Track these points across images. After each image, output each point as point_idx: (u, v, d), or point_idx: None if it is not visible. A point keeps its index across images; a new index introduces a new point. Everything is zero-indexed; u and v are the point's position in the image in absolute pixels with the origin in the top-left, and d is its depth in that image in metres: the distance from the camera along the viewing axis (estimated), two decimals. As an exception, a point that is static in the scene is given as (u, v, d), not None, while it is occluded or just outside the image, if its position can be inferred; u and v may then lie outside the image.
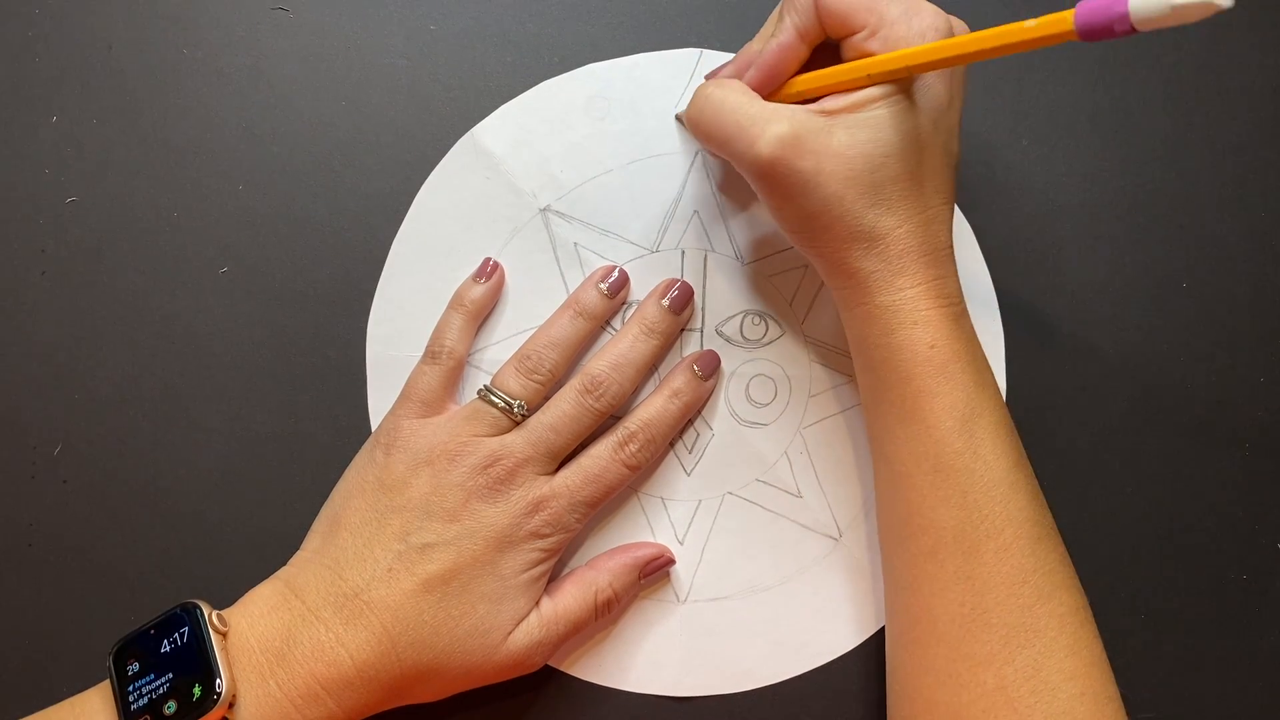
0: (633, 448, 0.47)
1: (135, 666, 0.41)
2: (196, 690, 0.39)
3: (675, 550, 0.49)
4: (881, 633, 0.49)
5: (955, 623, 0.40)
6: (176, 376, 0.50)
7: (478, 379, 0.49)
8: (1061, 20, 0.35)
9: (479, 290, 0.49)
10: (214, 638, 0.40)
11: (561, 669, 0.49)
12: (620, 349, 0.47)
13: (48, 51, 0.51)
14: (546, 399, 0.47)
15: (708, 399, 0.50)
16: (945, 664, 0.41)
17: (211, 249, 0.50)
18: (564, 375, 0.48)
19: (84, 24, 0.51)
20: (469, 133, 0.51)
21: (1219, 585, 0.50)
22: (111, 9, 0.51)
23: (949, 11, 0.42)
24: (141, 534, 0.49)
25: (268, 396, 0.50)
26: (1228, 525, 0.51)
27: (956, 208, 0.50)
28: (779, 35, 0.43)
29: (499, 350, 0.49)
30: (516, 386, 0.46)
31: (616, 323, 0.50)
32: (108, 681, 0.41)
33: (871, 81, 0.41)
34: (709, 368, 0.49)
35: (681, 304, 0.49)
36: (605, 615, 0.47)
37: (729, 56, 0.51)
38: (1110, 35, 0.33)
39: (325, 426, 0.50)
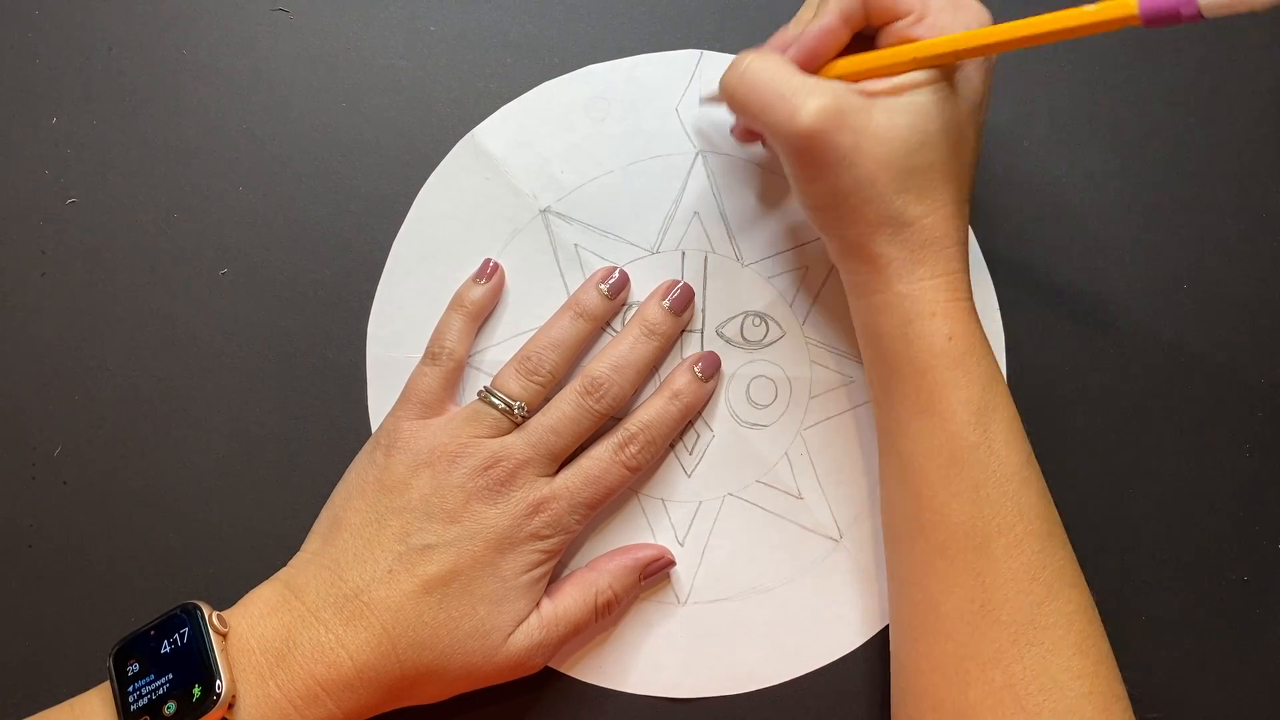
0: (633, 449, 0.47)
1: (135, 667, 0.41)
2: (196, 691, 0.39)
3: (676, 552, 0.49)
4: (882, 634, 0.49)
5: (964, 619, 0.40)
6: (176, 376, 0.50)
7: (478, 380, 0.49)
8: (1125, 4, 0.34)
9: (479, 291, 0.49)
10: (214, 638, 0.40)
11: (562, 670, 0.49)
12: (621, 350, 0.47)
13: (48, 51, 0.51)
14: (547, 400, 0.47)
15: (708, 400, 0.50)
16: (953, 661, 0.41)
17: (211, 249, 0.50)
18: (564, 377, 0.48)
19: (84, 24, 0.51)
20: (469, 134, 0.51)
21: (1219, 585, 0.50)
22: (111, 9, 0.51)
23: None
24: (141, 534, 0.49)
25: (268, 396, 0.50)
26: (1228, 525, 0.51)
27: (956, 208, 0.50)
28: (822, 17, 0.43)
29: (499, 351, 0.49)
30: (517, 388, 0.46)
31: (617, 324, 0.50)
32: (108, 682, 0.41)
33: (916, 66, 0.41)
34: (709, 369, 0.49)
35: (682, 305, 0.49)
36: (605, 616, 0.47)
37: (729, 57, 0.51)
38: (1176, 21, 0.32)
39: (325, 427, 0.50)
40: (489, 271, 0.49)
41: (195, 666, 0.40)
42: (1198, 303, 0.51)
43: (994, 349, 0.50)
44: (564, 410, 0.46)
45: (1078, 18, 0.36)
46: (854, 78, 0.43)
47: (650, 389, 0.49)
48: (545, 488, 0.45)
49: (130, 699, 0.40)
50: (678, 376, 0.48)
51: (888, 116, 0.41)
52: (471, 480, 0.44)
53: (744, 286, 0.50)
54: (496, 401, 0.45)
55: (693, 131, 0.50)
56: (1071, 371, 0.51)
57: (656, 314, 0.48)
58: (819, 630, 0.49)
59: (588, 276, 0.49)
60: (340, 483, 0.46)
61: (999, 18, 0.40)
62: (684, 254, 0.50)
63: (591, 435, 0.47)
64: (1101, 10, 0.35)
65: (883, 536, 0.47)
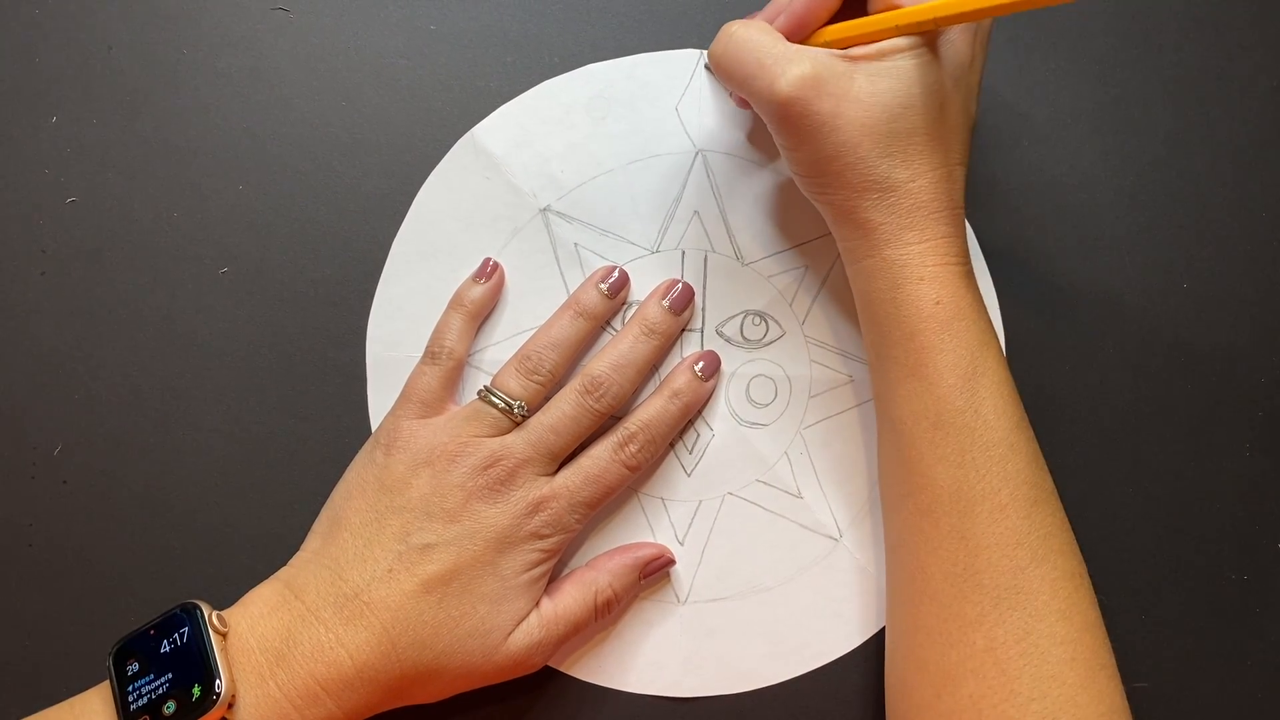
0: (633, 448, 0.47)
1: (135, 667, 0.41)
2: (196, 690, 0.39)
3: (675, 551, 0.49)
4: (882, 633, 0.49)
5: (948, 581, 0.41)
6: (176, 376, 0.50)
7: (478, 379, 0.49)
8: None
9: (479, 290, 0.49)
10: (214, 638, 0.40)
11: (562, 670, 0.49)
12: (621, 349, 0.47)
13: (48, 51, 0.51)
14: (547, 399, 0.47)
15: (708, 399, 0.50)
16: (936, 622, 0.41)
17: (211, 249, 0.50)
18: (564, 376, 0.48)
19: (84, 24, 0.51)
20: (469, 133, 0.51)
21: (1219, 585, 0.50)
22: (111, 9, 0.51)
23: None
24: (141, 534, 0.49)
25: (268, 396, 0.50)
26: (1228, 525, 0.50)
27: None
28: None
29: (499, 350, 0.49)
30: (517, 387, 0.46)
31: (617, 323, 0.50)
32: (107, 682, 0.41)
33: (898, 33, 0.41)
34: (709, 368, 0.49)
35: (682, 304, 0.49)
36: (605, 615, 0.47)
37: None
38: None
39: (325, 426, 0.50)
40: (489, 271, 0.49)
41: (195, 666, 0.40)
42: (1198, 303, 0.51)
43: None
44: (564, 409, 0.46)
45: None
46: (841, 44, 0.43)
47: (650, 388, 0.49)
48: (545, 487, 0.45)
49: (130, 698, 0.40)
50: (678, 376, 0.48)
51: (869, 82, 0.41)
52: (471, 479, 0.44)
53: (744, 285, 0.50)
54: (496, 400, 0.46)
55: (695, 127, 0.50)
56: (1071, 371, 0.51)
57: (656, 313, 0.48)
58: (819, 629, 0.49)
59: (587, 276, 0.49)
60: (340, 482, 0.46)
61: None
62: (684, 253, 0.50)
63: (591, 434, 0.47)
64: None
65: (879, 500, 0.47)
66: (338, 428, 0.50)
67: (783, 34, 0.44)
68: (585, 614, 0.46)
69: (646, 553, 0.48)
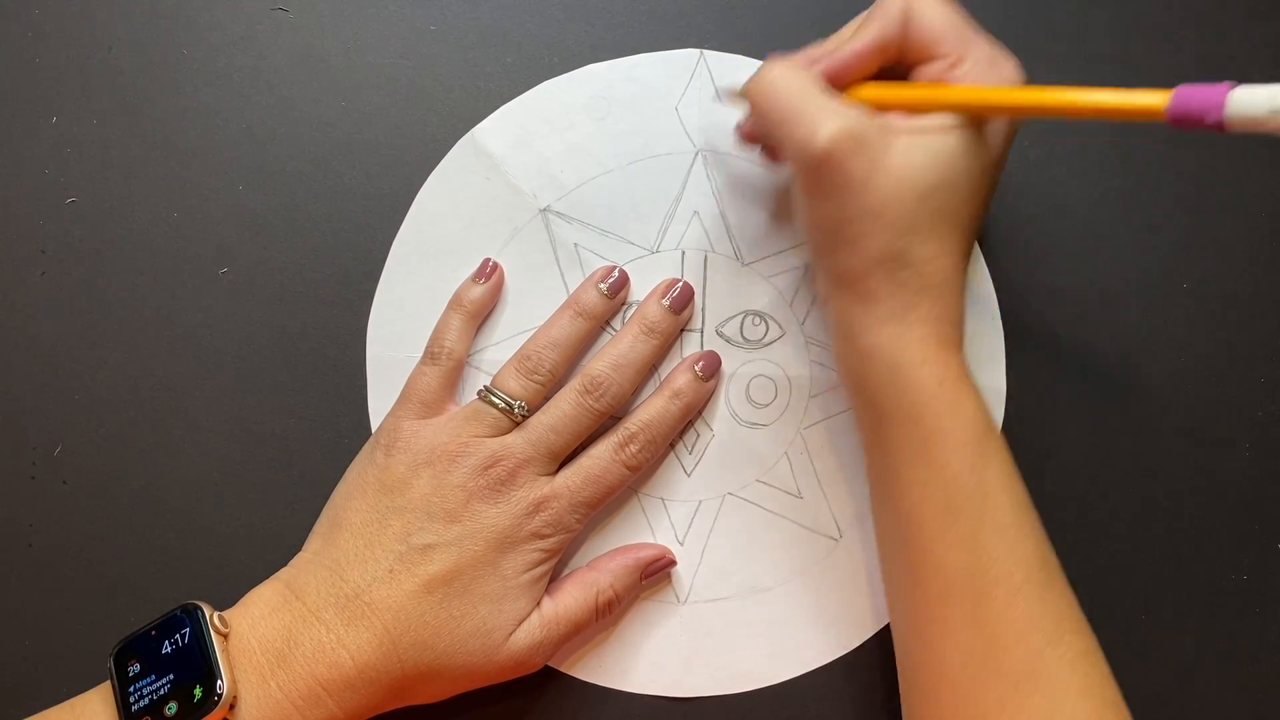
0: (633, 448, 0.47)
1: (136, 667, 0.41)
2: (197, 691, 0.39)
3: (676, 551, 0.49)
4: (882, 633, 0.49)
5: (965, 669, 0.39)
6: (176, 376, 0.50)
7: (478, 379, 0.49)
8: (1156, 98, 0.34)
9: (479, 291, 0.49)
10: (215, 639, 0.40)
11: (562, 670, 0.49)
12: (620, 349, 0.47)
13: (48, 51, 0.51)
14: (547, 399, 0.47)
15: (708, 400, 0.50)
16: (954, 711, 0.40)
17: (211, 249, 0.50)
18: (564, 375, 0.48)
19: (84, 24, 0.51)
20: (469, 133, 0.51)
21: (1219, 585, 0.50)
22: (111, 9, 0.51)
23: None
24: (141, 534, 0.49)
25: (268, 396, 0.50)
26: (1228, 525, 0.50)
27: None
28: (858, 39, 0.42)
29: (499, 351, 0.49)
30: (517, 387, 0.46)
31: (617, 323, 0.50)
32: (108, 682, 0.41)
33: (946, 110, 0.40)
34: (709, 368, 0.49)
35: (682, 304, 0.49)
36: (606, 616, 0.47)
37: (729, 56, 0.51)
38: (1199, 125, 0.32)
39: (325, 426, 0.50)
40: (488, 271, 0.49)
41: (196, 667, 0.40)
42: (1198, 303, 0.51)
43: (993, 349, 0.50)
44: (564, 409, 0.46)
45: (1112, 100, 0.36)
46: (879, 106, 0.42)
47: (650, 388, 0.49)
48: (545, 487, 0.45)
49: (131, 699, 0.40)
50: (678, 376, 0.48)
51: (906, 155, 0.40)
52: (472, 479, 0.44)
53: (744, 286, 0.50)
54: (496, 400, 0.46)
55: (695, 127, 0.50)
56: (1071, 371, 0.51)
57: (656, 313, 0.48)
58: (819, 629, 0.49)
59: (587, 276, 0.49)
60: (340, 483, 0.46)
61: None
62: (684, 253, 0.50)
63: (591, 434, 0.47)
64: (1136, 97, 0.35)
65: (883, 583, 0.46)
66: (338, 428, 0.50)
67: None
68: (586, 614, 0.46)
69: (648, 553, 0.48)
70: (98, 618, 0.49)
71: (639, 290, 0.50)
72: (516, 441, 0.45)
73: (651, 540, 0.49)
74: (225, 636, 0.41)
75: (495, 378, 0.47)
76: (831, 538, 0.50)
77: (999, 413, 0.50)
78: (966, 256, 0.43)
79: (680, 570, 0.49)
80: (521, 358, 0.47)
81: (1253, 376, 0.51)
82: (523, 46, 0.51)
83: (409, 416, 0.46)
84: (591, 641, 0.49)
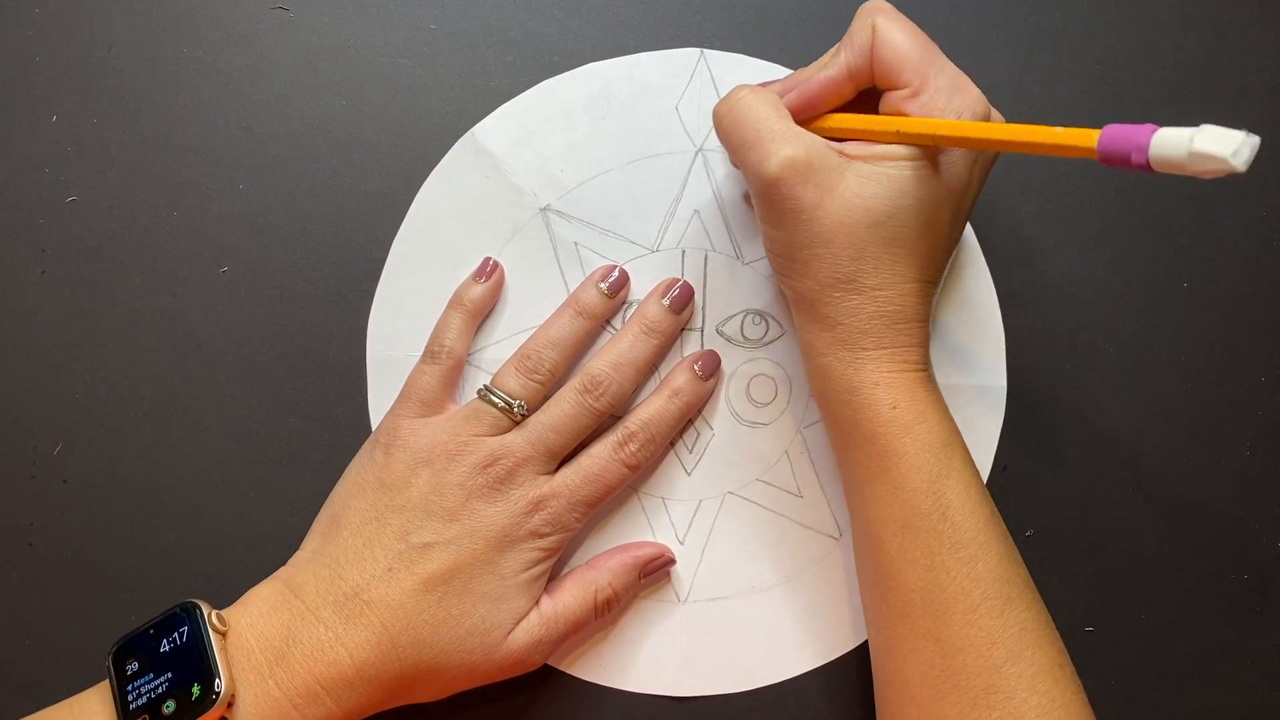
0: (632, 447, 0.47)
1: (134, 666, 0.41)
2: (195, 690, 0.39)
3: (675, 550, 0.49)
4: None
5: (926, 683, 0.40)
6: (176, 376, 0.50)
7: (478, 379, 0.49)
8: (1087, 137, 0.35)
9: (479, 290, 0.49)
10: (213, 637, 0.40)
11: (561, 669, 0.49)
12: (620, 349, 0.47)
13: (48, 51, 0.51)
14: (546, 398, 0.47)
15: (708, 399, 0.50)
16: None
17: (211, 249, 0.50)
18: (564, 375, 0.48)
19: (84, 24, 0.51)
20: (469, 132, 0.51)
21: (1219, 585, 0.50)
22: (111, 9, 0.51)
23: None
24: (141, 534, 0.49)
25: (268, 396, 0.50)
26: (1228, 525, 0.50)
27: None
28: (829, 68, 0.43)
29: (499, 350, 0.49)
30: (516, 386, 0.46)
31: (617, 323, 0.50)
32: (107, 681, 0.41)
33: (898, 140, 0.41)
34: (709, 367, 0.49)
35: (682, 303, 0.49)
36: (605, 614, 0.47)
37: (730, 56, 0.51)
38: (1126, 164, 0.33)
39: (325, 426, 0.50)
40: (489, 270, 0.49)
41: (194, 665, 0.40)
42: (1198, 303, 0.51)
43: (994, 349, 0.50)
44: (563, 408, 0.46)
45: (1045, 135, 0.37)
46: (842, 134, 0.43)
47: (650, 387, 0.49)
48: (545, 485, 0.45)
49: (129, 698, 0.40)
50: (677, 375, 0.48)
51: (858, 182, 0.41)
52: (471, 478, 0.44)
53: (744, 285, 0.50)
54: (496, 400, 0.46)
55: (695, 126, 0.50)
56: (1071, 371, 0.51)
57: (656, 312, 0.48)
58: (819, 628, 0.49)
59: (587, 275, 0.49)
60: (340, 481, 0.46)
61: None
62: (684, 252, 0.50)
63: (591, 433, 0.47)
64: (1067, 135, 0.36)
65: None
66: (338, 428, 0.50)
67: (791, 110, 0.43)
68: (585, 613, 0.46)
69: (646, 552, 0.48)
70: (97, 617, 0.49)
71: (639, 289, 0.50)
72: (516, 440, 0.45)
73: (651, 539, 0.49)
74: (224, 635, 0.41)
75: (495, 377, 0.47)
76: (831, 537, 0.50)
77: (999, 413, 0.50)
78: (929, 285, 0.43)
79: (680, 569, 0.49)
80: (521, 357, 0.47)
81: (1253, 376, 0.51)
82: (523, 46, 0.51)
83: (408, 415, 0.46)
84: (591, 640, 0.49)
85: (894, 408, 0.41)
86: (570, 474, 0.46)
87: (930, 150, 0.41)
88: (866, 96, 0.44)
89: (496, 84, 0.51)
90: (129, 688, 0.40)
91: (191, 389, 0.50)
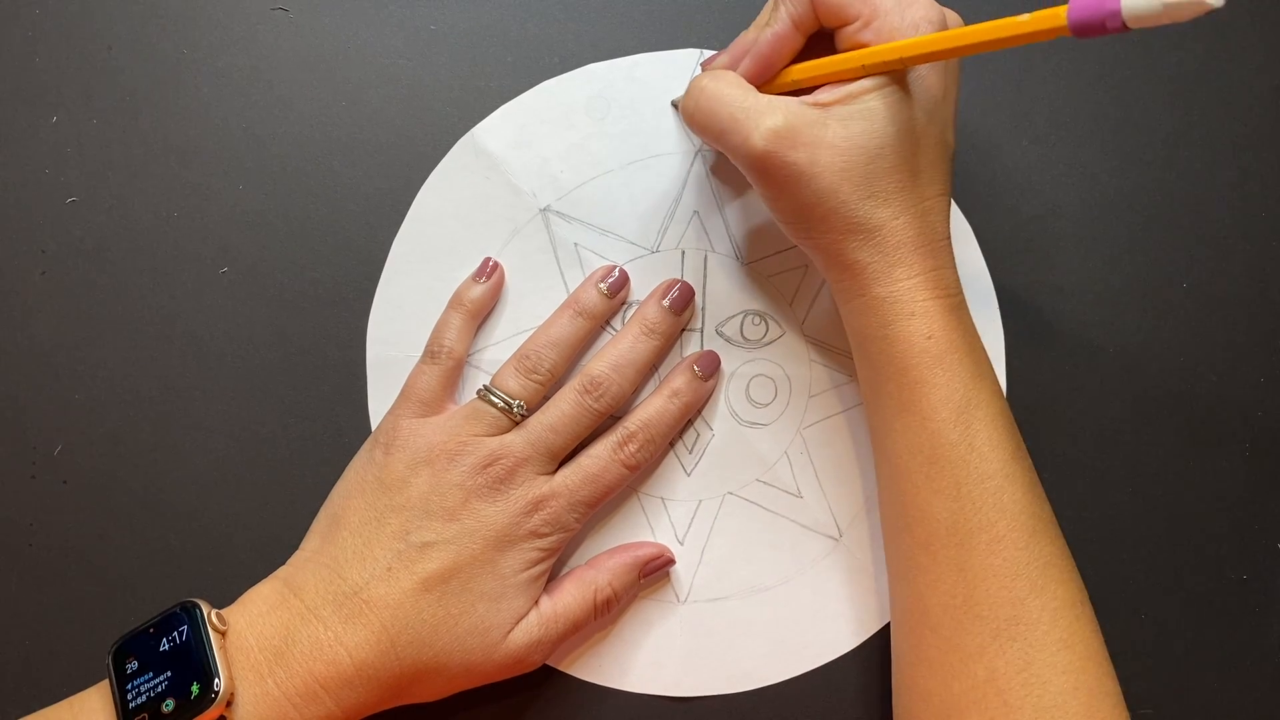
0: (632, 448, 0.47)
1: (134, 665, 0.41)
2: (195, 689, 0.39)
3: (675, 550, 0.49)
4: (882, 632, 0.49)
5: (947, 614, 0.41)
6: (176, 376, 0.50)
7: (477, 379, 0.49)
8: (1054, 15, 0.35)
9: (479, 290, 0.49)
10: (213, 637, 0.40)
11: (561, 669, 0.49)
12: (620, 349, 0.47)
13: (48, 51, 0.51)
14: (546, 399, 0.47)
15: (708, 399, 0.50)
16: (938, 654, 0.41)
17: (211, 249, 0.50)
18: (564, 375, 0.48)
19: (84, 24, 0.51)
20: (469, 133, 0.51)
21: (1219, 585, 0.50)
22: (111, 9, 0.51)
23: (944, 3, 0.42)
24: (141, 534, 0.49)
25: (268, 396, 0.50)
26: (1228, 525, 0.50)
27: (956, 207, 0.50)
28: (773, 24, 0.43)
29: (499, 350, 0.49)
30: (516, 386, 0.46)
31: (617, 323, 0.50)
32: (106, 680, 0.41)
33: (865, 73, 0.41)
34: (709, 368, 0.49)
35: (682, 304, 0.49)
36: (604, 614, 0.47)
37: (729, 56, 0.51)
38: (1102, 32, 0.33)
39: (325, 426, 0.50)
40: (488, 270, 0.49)
41: (194, 664, 0.40)
42: (1198, 303, 0.51)
43: (994, 349, 0.50)
44: (563, 409, 0.46)
45: (1011, 28, 0.37)
46: (808, 83, 0.43)
47: (650, 388, 0.49)
48: (544, 486, 0.45)
49: (129, 697, 0.40)
50: (677, 375, 0.48)
51: (842, 126, 0.41)
52: (470, 478, 0.44)
53: (744, 285, 0.50)
54: (496, 400, 0.46)
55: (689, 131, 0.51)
56: (1071, 371, 0.51)
57: (656, 313, 0.48)
58: (818, 629, 0.49)
59: (587, 275, 0.49)
60: (339, 481, 0.46)
61: (988, 11, 0.40)
62: (684, 253, 0.50)
63: (591, 434, 0.47)
64: (1034, 20, 0.36)
65: (880, 536, 0.47)
66: (338, 428, 0.50)
67: (749, 77, 0.44)
68: (585, 613, 0.46)
69: (646, 552, 0.48)
70: (97, 617, 0.49)
71: (639, 290, 0.50)
72: (515, 441, 0.45)
73: (651, 539, 0.49)
74: (223, 634, 0.41)
75: (494, 377, 0.47)
76: (831, 537, 0.50)
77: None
78: (942, 199, 0.43)
79: (680, 570, 0.49)
80: (521, 357, 0.47)
81: (1253, 376, 0.51)
82: (523, 46, 0.51)
83: (408, 415, 0.46)
84: (591, 640, 0.49)
85: (929, 338, 0.42)
86: (570, 474, 0.46)
87: (898, 73, 0.41)
88: (816, 41, 0.44)
89: (496, 84, 0.51)
90: (128, 687, 0.40)
91: (191, 389, 0.50)
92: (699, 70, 0.51)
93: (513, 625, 0.44)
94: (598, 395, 0.46)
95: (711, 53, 0.51)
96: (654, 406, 0.48)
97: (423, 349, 0.48)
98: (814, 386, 0.50)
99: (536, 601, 0.45)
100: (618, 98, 0.51)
